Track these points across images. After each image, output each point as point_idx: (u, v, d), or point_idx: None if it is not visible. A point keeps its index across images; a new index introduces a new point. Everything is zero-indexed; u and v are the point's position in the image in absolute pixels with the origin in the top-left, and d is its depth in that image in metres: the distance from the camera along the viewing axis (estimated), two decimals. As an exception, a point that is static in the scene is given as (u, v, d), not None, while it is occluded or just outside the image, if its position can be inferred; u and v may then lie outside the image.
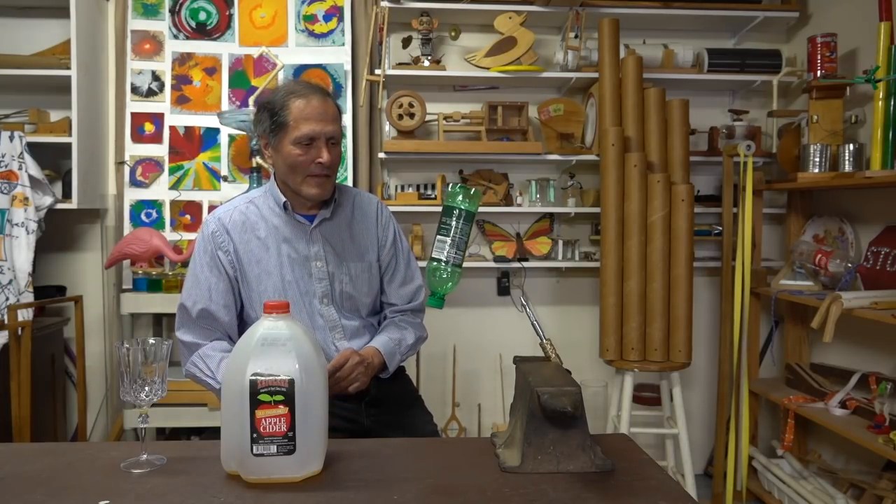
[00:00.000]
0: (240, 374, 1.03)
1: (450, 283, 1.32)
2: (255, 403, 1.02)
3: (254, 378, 1.02)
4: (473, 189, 1.31)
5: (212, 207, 2.74)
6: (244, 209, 1.58)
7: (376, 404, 1.62)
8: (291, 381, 1.03)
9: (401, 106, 2.69)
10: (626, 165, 2.48)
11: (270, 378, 1.03)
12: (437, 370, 2.92)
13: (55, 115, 2.68)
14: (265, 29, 2.79)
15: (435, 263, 1.31)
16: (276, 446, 1.03)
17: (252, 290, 1.55)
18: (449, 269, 1.31)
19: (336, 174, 1.56)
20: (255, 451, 1.03)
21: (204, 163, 2.75)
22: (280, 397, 1.03)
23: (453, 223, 1.30)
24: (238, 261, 1.54)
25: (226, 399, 1.06)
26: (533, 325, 1.36)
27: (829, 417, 2.27)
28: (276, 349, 1.04)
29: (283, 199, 1.55)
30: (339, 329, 1.58)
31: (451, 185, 1.31)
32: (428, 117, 2.75)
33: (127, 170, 2.72)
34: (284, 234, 1.56)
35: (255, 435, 1.03)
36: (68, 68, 2.51)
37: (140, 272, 2.55)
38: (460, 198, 1.30)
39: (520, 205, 2.86)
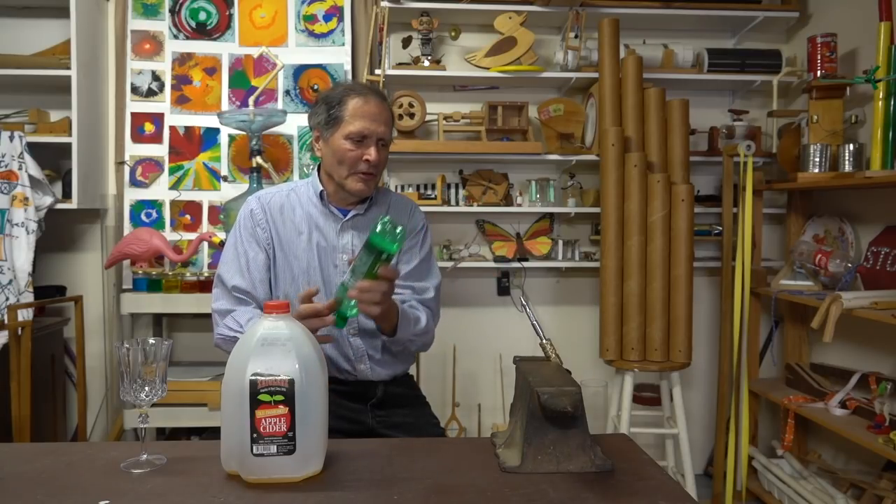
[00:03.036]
0: (240, 374, 1.03)
1: (354, 310, 1.36)
2: (255, 403, 1.02)
3: (254, 378, 1.02)
4: (399, 228, 1.30)
5: (212, 207, 2.74)
6: (286, 195, 1.63)
7: (382, 406, 1.63)
8: (291, 381, 1.03)
9: (401, 106, 2.69)
10: (626, 165, 2.48)
11: (270, 378, 1.03)
12: (437, 370, 2.92)
13: (55, 115, 2.68)
14: (265, 29, 2.79)
15: (342, 288, 1.35)
16: (276, 446, 1.03)
17: (279, 270, 1.59)
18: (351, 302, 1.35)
19: (381, 174, 1.61)
20: (255, 451, 1.03)
21: (204, 163, 2.75)
22: (280, 397, 1.03)
23: (363, 255, 1.32)
24: (272, 240, 1.59)
25: (226, 399, 1.06)
26: (533, 325, 1.36)
27: (829, 417, 2.27)
28: (276, 349, 1.04)
29: (321, 188, 1.60)
30: (355, 324, 1.59)
31: (380, 221, 1.30)
32: (428, 117, 2.75)
33: (127, 170, 2.72)
34: (317, 222, 1.60)
35: (255, 435, 1.03)
36: (68, 68, 2.51)
37: (140, 272, 2.55)
38: (379, 235, 1.29)
39: (520, 205, 2.86)
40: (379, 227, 1.28)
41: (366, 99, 1.52)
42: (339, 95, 1.53)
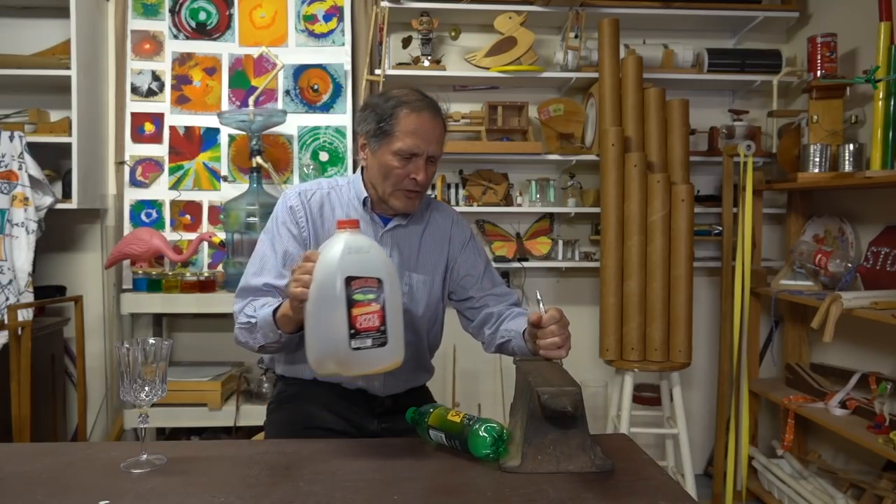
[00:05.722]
0: (334, 279, 1.13)
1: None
2: (351, 303, 1.13)
3: (349, 279, 1.13)
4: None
5: (212, 207, 2.74)
6: (326, 192, 1.55)
7: (389, 413, 1.57)
8: (380, 281, 1.16)
9: (401, 106, 2.69)
10: (626, 165, 2.48)
11: (363, 279, 1.14)
12: (437, 370, 2.90)
13: (55, 115, 2.68)
14: (265, 29, 2.78)
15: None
16: (371, 340, 1.14)
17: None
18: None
19: (426, 191, 1.54)
20: (353, 346, 1.13)
21: (204, 163, 2.75)
22: (372, 296, 1.15)
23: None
24: (310, 240, 1.51)
25: (320, 304, 1.14)
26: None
27: (829, 417, 2.27)
28: (361, 255, 1.17)
29: (365, 194, 1.53)
30: None
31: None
32: (428, 117, 2.74)
33: (127, 170, 2.72)
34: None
35: (352, 331, 1.13)
36: (68, 68, 2.51)
37: (140, 272, 2.55)
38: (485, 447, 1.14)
39: (520, 205, 2.86)
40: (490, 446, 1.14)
41: (419, 114, 1.42)
42: (390, 108, 1.43)
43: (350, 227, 1.20)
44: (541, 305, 1.33)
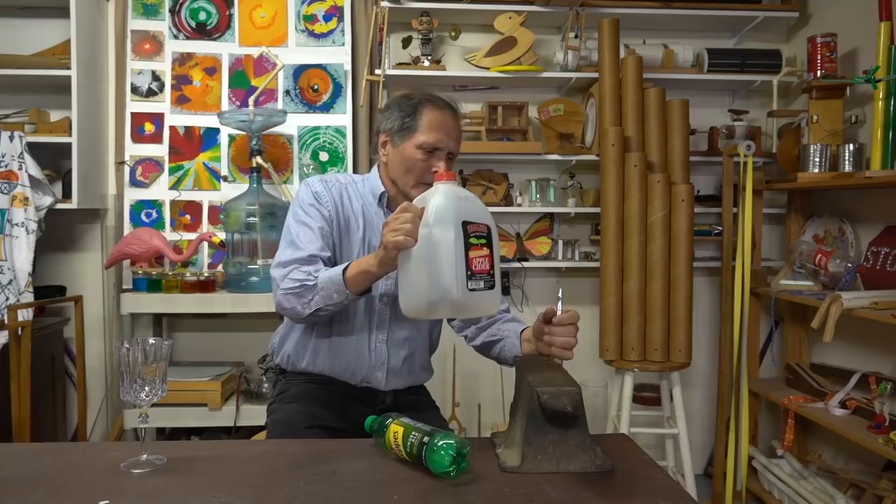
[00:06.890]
0: (451, 223, 1.17)
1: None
2: (467, 246, 1.17)
3: (465, 224, 1.18)
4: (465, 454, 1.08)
5: (212, 207, 2.74)
6: (344, 184, 1.58)
7: (389, 410, 1.58)
8: (488, 227, 1.21)
9: (401, 106, 2.69)
10: (626, 165, 2.48)
11: (475, 224, 1.19)
12: (437, 370, 2.88)
13: (55, 115, 2.68)
14: (265, 29, 2.78)
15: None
16: (483, 282, 1.19)
17: (335, 258, 1.53)
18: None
19: None
20: (469, 287, 1.17)
21: (204, 163, 2.75)
22: (483, 240, 1.19)
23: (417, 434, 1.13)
24: (335, 221, 1.53)
25: (434, 248, 1.18)
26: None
27: (829, 417, 2.27)
28: (470, 203, 1.22)
29: (382, 189, 1.56)
30: (385, 331, 1.55)
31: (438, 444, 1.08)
32: (428, 117, 2.75)
33: (127, 170, 2.72)
34: (371, 221, 1.56)
35: (469, 272, 1.17)
36: (68, 68, 2.51)
37: (140, 272, 2.55)
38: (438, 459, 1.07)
39: (520, 205, 2.86)
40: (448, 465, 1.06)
41: (442, 112, 1.50)
42: (414, 105, 1.51)
43: (448, 178, 1.25)
44: (560, 304, 1.34)
